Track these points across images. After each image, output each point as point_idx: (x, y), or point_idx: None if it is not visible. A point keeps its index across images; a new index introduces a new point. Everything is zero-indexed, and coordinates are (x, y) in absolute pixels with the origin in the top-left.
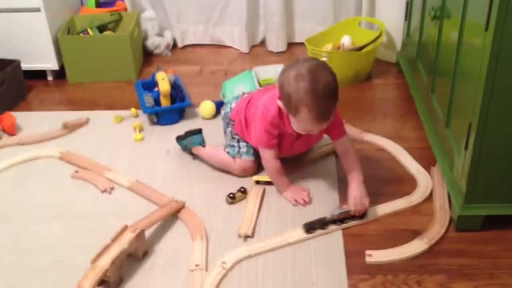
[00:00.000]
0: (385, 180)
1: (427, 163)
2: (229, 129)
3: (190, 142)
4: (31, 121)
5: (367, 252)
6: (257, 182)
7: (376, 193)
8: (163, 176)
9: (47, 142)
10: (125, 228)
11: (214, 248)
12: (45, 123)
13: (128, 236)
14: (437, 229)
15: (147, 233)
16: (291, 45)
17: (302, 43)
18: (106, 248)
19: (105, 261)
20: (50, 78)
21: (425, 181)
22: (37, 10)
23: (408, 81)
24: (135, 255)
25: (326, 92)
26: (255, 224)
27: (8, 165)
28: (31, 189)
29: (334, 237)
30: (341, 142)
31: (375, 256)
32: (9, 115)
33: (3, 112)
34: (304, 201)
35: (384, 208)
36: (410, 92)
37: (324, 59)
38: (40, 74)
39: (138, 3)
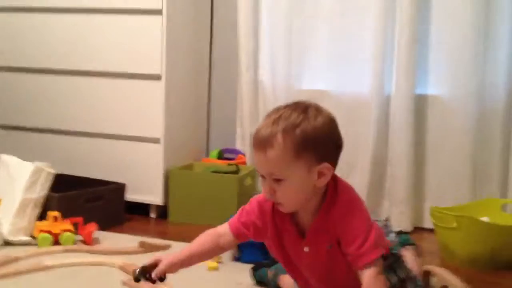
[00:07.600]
0: None
1: None
2: None
3: (279, 269)
4: (113, 240)
5: None
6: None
7: None
8: None
9: (117, 256)
10: None
11: None
12: (125, 242)
13: None
14: None
15: None
16: (417, 229)
17: (430, 229)
18: None
19: None
20: (152, 215)
21: None
22: (157, 141)
23: None
24: None
25: (278, 119)
26: None
27: (69, 262)
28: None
29: None
30: (362, 274)
31: None
32: (92, 224)
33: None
34: None
35: None
36: None
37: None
38: (142, 209)
39: None
